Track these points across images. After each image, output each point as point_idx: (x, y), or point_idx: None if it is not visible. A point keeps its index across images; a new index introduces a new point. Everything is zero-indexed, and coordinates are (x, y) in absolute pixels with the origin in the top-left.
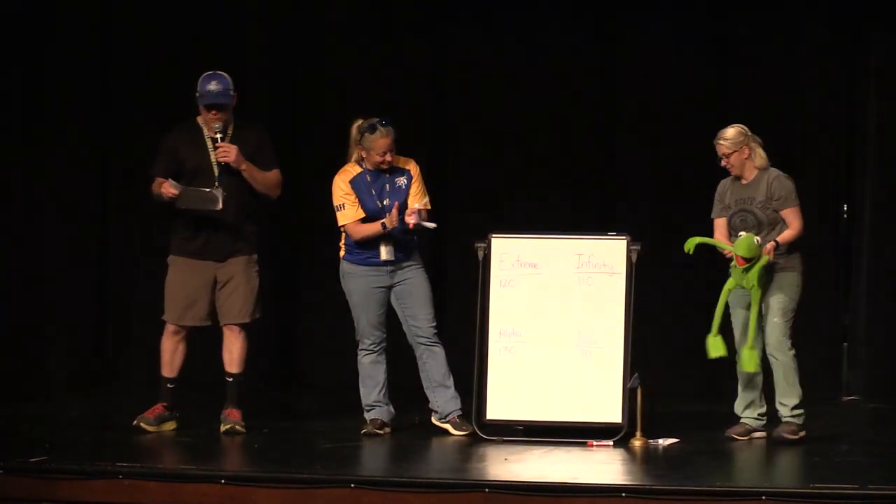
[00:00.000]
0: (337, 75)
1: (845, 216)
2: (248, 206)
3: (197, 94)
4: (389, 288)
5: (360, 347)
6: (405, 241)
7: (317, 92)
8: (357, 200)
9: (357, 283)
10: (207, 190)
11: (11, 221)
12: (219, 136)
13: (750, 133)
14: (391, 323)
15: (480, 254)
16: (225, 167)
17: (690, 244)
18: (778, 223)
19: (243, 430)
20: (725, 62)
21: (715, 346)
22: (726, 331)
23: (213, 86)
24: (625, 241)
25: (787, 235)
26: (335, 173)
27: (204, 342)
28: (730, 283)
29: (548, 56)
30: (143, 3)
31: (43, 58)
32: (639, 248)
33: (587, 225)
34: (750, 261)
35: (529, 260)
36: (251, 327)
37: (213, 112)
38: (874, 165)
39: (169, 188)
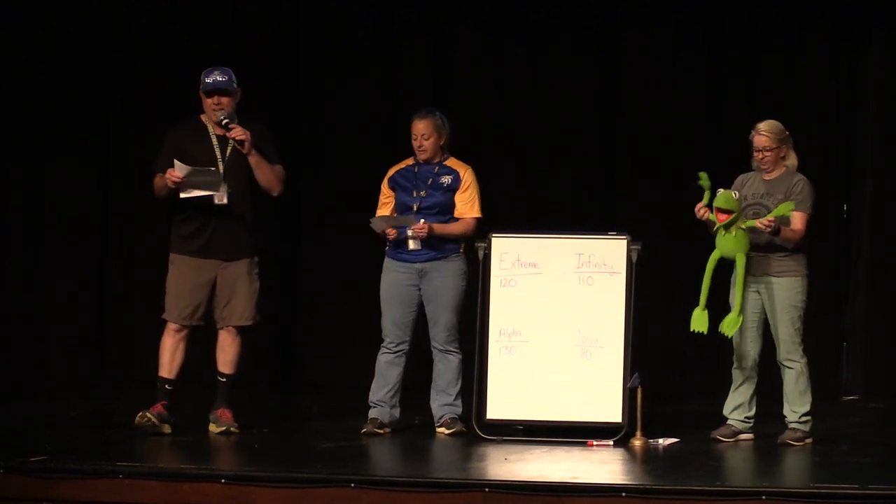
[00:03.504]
0: (336, 75)
1: (845, 216)
2: (251, 205)
3: (200, 88)
4: (418, 288)
5: (381, 344)
6: (437, 238)
7: (316, 90)
8: (389, 197)
9: (385, 277)
10: (213, 169)
11: (12, 221)
12: (224, 120)
13: (787, 133)
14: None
15: (481, 253)
16: (232, 163)
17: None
18: (787, 225)
19: (237, 430)
20: (725, 63)
21: (697, 320)
22: (719, 308)
23: (215, 74)
24: (625, 241)
25: (788, 233)
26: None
27: (206, 341)
28: (715, 254)
29: (549, 56)
30: (142, 10)
31: (43, 65)
32: (639, 247)
33: (588, 224)
34: (729, 213)
35: (530, 259)
36: (248, 330)
37: (215, 98)
38: (874, 165)
39: (173, 172)
